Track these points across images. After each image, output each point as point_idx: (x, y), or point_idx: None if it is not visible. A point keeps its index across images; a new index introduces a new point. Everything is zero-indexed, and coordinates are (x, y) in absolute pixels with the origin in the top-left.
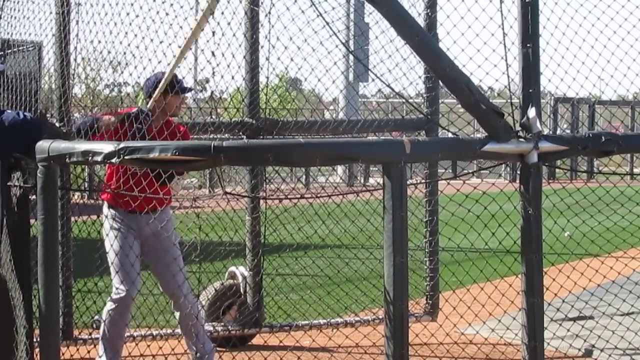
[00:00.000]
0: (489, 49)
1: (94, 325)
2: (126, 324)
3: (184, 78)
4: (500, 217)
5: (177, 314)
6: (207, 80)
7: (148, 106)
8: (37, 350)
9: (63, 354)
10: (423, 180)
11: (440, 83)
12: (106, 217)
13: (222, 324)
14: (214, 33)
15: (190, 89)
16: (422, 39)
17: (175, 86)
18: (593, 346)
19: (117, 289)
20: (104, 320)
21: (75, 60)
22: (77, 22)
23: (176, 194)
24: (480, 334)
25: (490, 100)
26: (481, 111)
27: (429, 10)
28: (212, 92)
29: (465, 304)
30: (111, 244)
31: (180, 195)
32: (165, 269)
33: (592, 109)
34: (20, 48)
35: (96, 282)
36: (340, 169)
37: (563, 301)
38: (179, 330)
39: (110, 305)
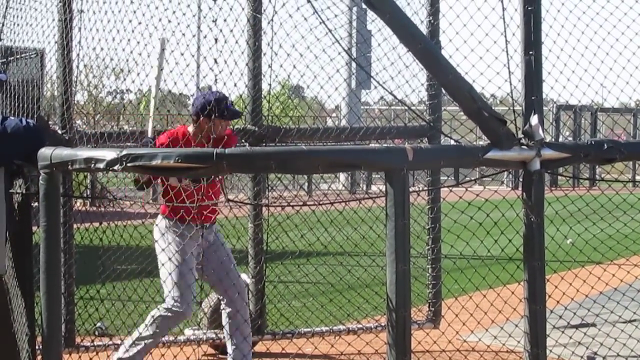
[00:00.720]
0: (492, 57)
1: (96, 333)
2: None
3: (186, 85)
4: (503, 224)
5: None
6: (210, 88)
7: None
8: (39, 357)
9: None
10: (425, 188)
11: (443, 90)
12: (161, 225)
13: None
14: (216, 40)
15: (240, 114)
16: (424, 46)
17: (224, 111)
18: (595, 353)
19: (176, 302)
20: (151, 323)
21: (77, 67)
22: (80, 29)
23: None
24: (482, 341)
25: (493, 108)
26: (484, 118)
27: (431, 18)
28: None
29: (468, 311)
30: (169, 255)
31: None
32: (224, 275)
33: (594, 116)
34: (23, 55)
35: (98, 290)
36: (342, 176)
37: (565, 308)
38: (181, 337)
39: (163, 313)
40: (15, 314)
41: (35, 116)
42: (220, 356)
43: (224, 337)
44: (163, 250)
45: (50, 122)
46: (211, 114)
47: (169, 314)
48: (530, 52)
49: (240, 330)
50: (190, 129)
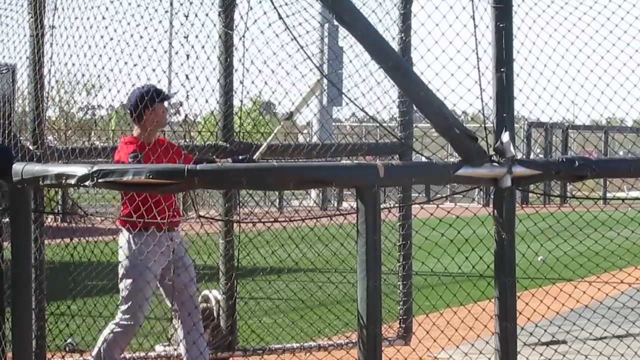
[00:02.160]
0: (463, 73)
1: (67, 349)
2: (124, 349)
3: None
4: (474, 241)
5: (180, 333)
6: (181, 104)
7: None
8: None
9: None
10: (397, 204)
11: (414, 107)
12: (127, 241)
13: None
14: (188, 56)
15: (173, 95)
16: (396, 63)
17: (161, 93)
18: None
19: (125, 315)
20: (103, 343)
21: (49, 83)
22: (52, 45)
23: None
24: (453, 358)
25: (464, 125)
26: (455, 135)
27: (403, 34)
28: (186, 116)
29: (439, 328)
30: (127, 270)
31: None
32: (182, 288)
33: (565, 133)
34: None
35: (69, 305)
36: (314, 192)
37: (536, 325)
38: (152, 354)
39: (115, 329)
40: None
41: (7, 132)
42: None
43: None
44: (125, 263)
45: (21, 138)
46: (150, 102)
47: (121, 329)
48: (502, 69)
49: (197, 345)
50: (135, 133)
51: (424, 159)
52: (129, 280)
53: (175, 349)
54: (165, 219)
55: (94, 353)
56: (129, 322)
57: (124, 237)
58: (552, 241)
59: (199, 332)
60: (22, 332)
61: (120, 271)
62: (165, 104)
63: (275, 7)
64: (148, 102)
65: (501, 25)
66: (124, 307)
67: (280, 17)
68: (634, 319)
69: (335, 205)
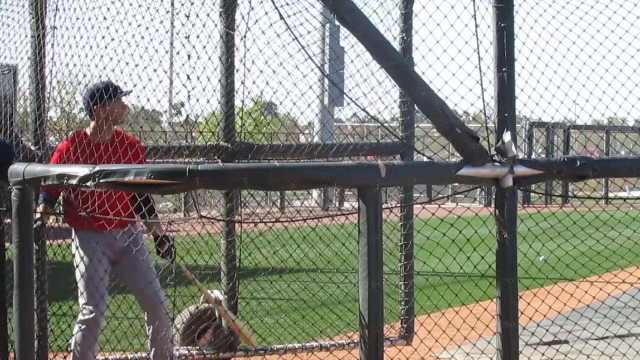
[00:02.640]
0: (465, 73)
1: (69, 349)
2: (97, 346)
3: (159, 101)
4: (475, 241)
5: (149, 332)
6: (183, 104)
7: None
8: None
9: None
10: (398, 204)
11: (416, 107)
12: (72, 240)
13: (197, 347)
14: (189, 57)
15: (129, 92)
16: (397, 62)
17: (116, 91)
18: None
19: (83, 310)
20: (75, 343)
21: (50, 83)
22: (53, 45)
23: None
24: (455, 358)
25: (466, 125)
26: (456, 135)
27: (404, 34)
28: (187, 116)
29: (440, 328)
30: (77, 264)
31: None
32: (139, 276)
33: (567, 133)
34: None
35: (71, 306)
36: (315, 192)
37: (538, 325)
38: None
39: (80, 327)
40: None
41: (8, 132)
42: None
43: (196, 353)
44: (74, 257)
45: (23, 139)
46: (104, 100)
47: (84, 325)
48: (503, 69)
49: (162, 341)
50: (89, 130)
51: (425, 159)
52: (78, 276)
53: (177, 349)
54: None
55: (70, 356)
56: (87, 316)
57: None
58: (553, 241)
59: (163, 325)
60: (24, 332)
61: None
62: (125, 100)
63: (276, 7)
64: (98, 99)
65: (502, 24)
66: (80, 301)
67: (282, 17)
68: (636, 319)
69: (337, 205)
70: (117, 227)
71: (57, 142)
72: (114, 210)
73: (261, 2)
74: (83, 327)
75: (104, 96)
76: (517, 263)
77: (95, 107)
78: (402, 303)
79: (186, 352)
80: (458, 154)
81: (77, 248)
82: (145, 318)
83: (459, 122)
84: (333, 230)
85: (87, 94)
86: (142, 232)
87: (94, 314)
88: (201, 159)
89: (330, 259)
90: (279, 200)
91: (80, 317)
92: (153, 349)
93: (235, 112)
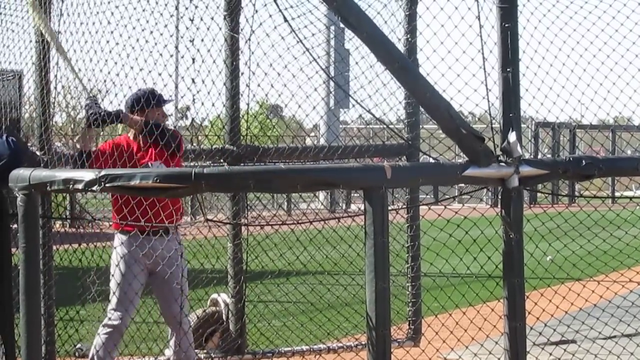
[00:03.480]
0: (469, 74)
1: (76, 354)
2: (116, 351)
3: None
4: (482, 241)
5: (171, 342)
6: (188, 108)
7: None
8: None
9: None
10: (404, 206)
11: (421, 108)
12: (120, 243)
13: (205, 351)
14: (194, 60)
15: (170, 100)
16: (402, 64)
17: (157, 99)
18: None
19: (111, 315)
20: (95, 346)
21: (55, 88)
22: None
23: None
24: (462, 358)
25: (471, 125)
26: (462, 136)
27: (408, 36)
28: (192, 120)
29: (448, 329)
30: (114, 271)
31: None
32: (169, 293)
33: (572, 133)
34: (1, 77)
35: (78, 311)
36: (321, 195)
37: (545, 325)
38: (161, 358)
39: (103, 330)
40: None
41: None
42: None
43: (204, 357)
44: (112, 263)
45: (28, 144)
46: (144, 106)
47: (110, 329)
48: (508, 69)
49: (179, 351)
50: (131, 134)
51: (431, 160)
52: (113, 281)
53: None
54: (149, 223)
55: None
56: (115, 322)
57: (115, 239)
58: (560, 240)
59: (187, 341)
60: (32, 337)
61: (111, 271)
62: (164, 107)
63: (280, 10)
64: (143, 105)
65: (507, 25)
66: (110, 307)
67: (286, 20)
68: None
69: (343, 207)
70: (162, 235)
71: (62, 147)
72: (165, 211)
73: (265, 5)
74: (107, 331)
75: (150, 102)
76: (523, 263)
77: (137, 113)
78: (410, 304)
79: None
80: (464, 155)
81: (117, 251)
82: (169, 332)
83: (464, 123)
84: (340, 232)
85: (130, 99)
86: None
87: (120, 321)
88: (207, 162)
89: (337, 261)
90: (285, 203)
91: (106, 320)
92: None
93: (241, 115)
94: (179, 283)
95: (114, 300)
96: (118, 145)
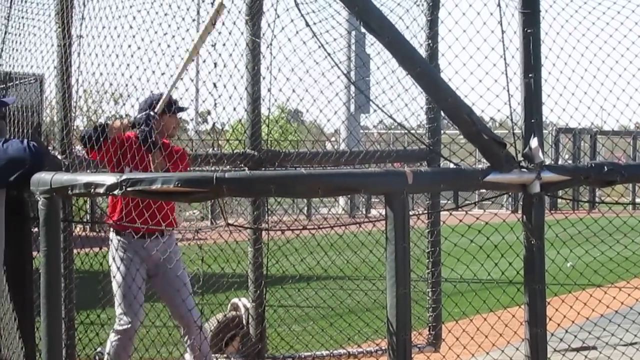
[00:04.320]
0: (491, 80)
1: (97, 358)
2: (129, 355)
3: (180, 99)
4: (503, 247)
5: (187, 345)
6: (209, 112)
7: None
8: None
9: None
10: (425, 211)
11: (442, 114)
12: (111, 241)
13: (225, 355)
14: (215, 65)
15: (185, 109)
16: (423, 69)
17: (172, 107)
18: None
19: (120, 320)
20: (108, 352)
21: (77, 92)
22: (79, 54)
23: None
24: None
25: (493, 131)
26: (483, 141)
27: (430, 41)
28: (213, 124)
29: (468, 335)
30: (114, 274)
31: (182, 227)
32: (175, 292)
33: (594, 139)
34: (22, 81)
35: (99, 314)
36: (342, 200)
37: (566, 331)
38: None
39: (113, 337)
40: (10, 338)
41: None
42: None
43: None
44: (112, 264)
45: (49, 147)
46: (163, 111)
47: (119, 335)
48: (530, 75)
49: (194, 349)
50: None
51: (452, 166)
52: (115, 285)
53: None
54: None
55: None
56: (123, 326)
57: (111, 237)
58: (581, 247)
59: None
60: (52, 341)
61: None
62: (178, 115)
63: (302, 15)
64: (155, 110)
65: (529, 30)
66: (117, 311)
67: (308, 25)
68: None
69: (364, 212)
70: (158, 236)
71: (83, 151)
72: (161, 212)
73: (287, 9)
74: (119, 337)
75: (166, 111)
76: (545, 269)
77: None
78: (430, 310)
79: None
80: (485, 161)
81: (114, 256)
82: (182, 332)
83: (485, 129)
84: (360, 238)
85: (144, 103)
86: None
87: (130, 325)
88: (228, 166)
89: (357, 266)
90: (305, 208)
91: (116, 326)
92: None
93: (262, 120)
94: (181, 279)
95: (121, 305)
96: (128, 138)
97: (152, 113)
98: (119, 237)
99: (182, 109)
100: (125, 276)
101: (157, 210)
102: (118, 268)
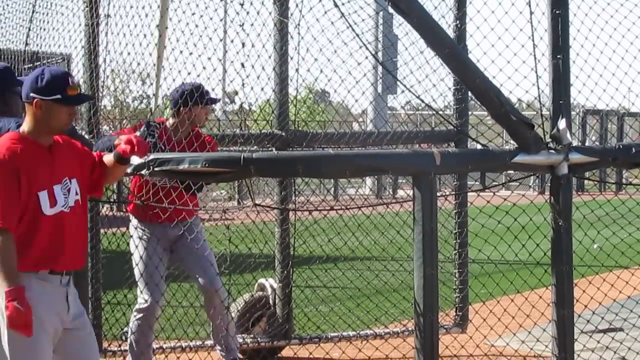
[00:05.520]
0: (519, 61)
1: (123, 337)
2: (153, 334)
3: (213, 89)
4: (530, 228)
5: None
6: (237, 92)
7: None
8: None
9: None
10: (453, 192)
11: (470, 94)
12: (134, 227)
13: (252, 336)
14: (243, 45)
15: (217, 100)
16: (452, 50)
17: (204, 98)
18: (623, 358)
19: (141, 298)
20: (131, 332)
21: (104, 72)
22: (107, 34)
23: (205, 205)
24: (510, 345)
25: (520, 112)
26: (511, 122)
27: (458, 22)
28: (241, 104)
29: (495, 316)
30: (134, 254)
31: (209, 207)
32: (196, 261)
33: (621, 120)
34: (50, 60)
35: (125, 294)
36: (369, 180)
37: (593, 313)
38: (208, 342)
39: (136, 316)
40: None
41: None
42: None
43: (251, 341)
44: (133, 246)
45: (77, 127)
46: (188, 102)
47: (141, 314)
48: (558, 56)
49: (215, 316)
50: (169, 122)
51: (479, 147)
52: (133, 264)
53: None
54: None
55: (127, 346)
56: (144, 304)
57: (132, 222)
58: (609, 228)
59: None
60: None
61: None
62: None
63: None
64: (188, 101)
65: (557, 11)
66: (138, 290)
67: (336, 5)
68: None
69: (391, 193)
70: (171, 219)
71: (110, 131)
72: (168, 199)
73: None
74: (139, 315)
75: (198, 102)
76: (572, 250)
77: (182, 108)
78: (457, 291)
79: (241, 340)
80: (513, 142)
81: (132, 237)
82: (203, 303)
83: (513, 109)
84: (387, 218)
85: (176, 93)
86: (197, 221)
87: (148, 303)
88: (255, 147)
89: (384, 246)
90: (333, 188)
91: (136, 305)
92: (213, 330)
93: (290, 100)
94: (203, 248)
95: (140, 283)
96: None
97: (152, 122)
98: (137, 221)
99: (214, 101)
100: (142, 256)
101: (177, 198)
102: (136, 246)
